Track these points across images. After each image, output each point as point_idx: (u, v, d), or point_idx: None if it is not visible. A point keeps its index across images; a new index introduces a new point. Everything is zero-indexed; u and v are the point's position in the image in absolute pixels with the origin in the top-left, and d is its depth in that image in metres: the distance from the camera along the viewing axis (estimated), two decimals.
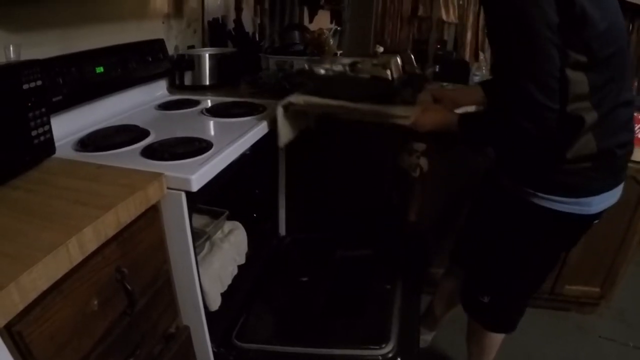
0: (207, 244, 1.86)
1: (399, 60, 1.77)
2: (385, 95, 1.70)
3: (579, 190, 1.42)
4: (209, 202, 1.87)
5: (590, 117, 1.31)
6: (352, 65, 1.79)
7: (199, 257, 1.56)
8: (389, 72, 1.69)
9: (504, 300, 1.73)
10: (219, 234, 1.96)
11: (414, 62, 2.06)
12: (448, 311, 2.19)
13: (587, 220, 1.50)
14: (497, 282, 1.70)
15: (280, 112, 1.78)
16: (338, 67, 1.80)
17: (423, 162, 2.20)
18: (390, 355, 1.68)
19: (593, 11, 1.24)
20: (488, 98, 1.63)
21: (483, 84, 1.86)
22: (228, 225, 2.04)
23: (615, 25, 1.32)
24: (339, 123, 2.13)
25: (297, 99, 1.77)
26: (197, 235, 1.56)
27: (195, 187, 1.35)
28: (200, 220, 1.96)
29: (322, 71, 1.81)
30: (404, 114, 1.64)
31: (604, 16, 1.26)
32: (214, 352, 1.70)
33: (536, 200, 1.46)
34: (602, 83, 1.31)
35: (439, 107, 1.77)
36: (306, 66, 1.84)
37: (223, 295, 1.78)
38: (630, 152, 1.48)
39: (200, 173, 1.37)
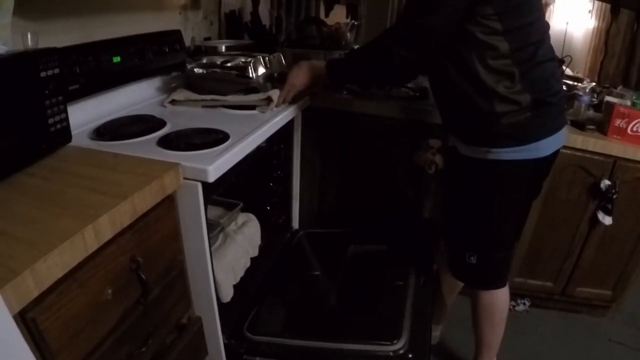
0: (221, 236, 1.87)
1: (262, 59, 2.02)
2: (248, 89, 1.97)
3: (525, 138, 1.59)
4: (223, 193, 1.87)
5: (515, 71, 1.52)
6: (223, 64, 2.04)
7: (212, 249, 1.56)
8: (250, 69, 1.93)
9: (490, 255, 1.82)
10: (232, 226, 1.97)
11: (283, 60, 2.21)
12: (454, 294, 2.24)
13: (540, 164, 1.68)
14: (480, 239, 1.81)
15: (168, 106, 1.97)
16: (213, 66, 2.05)
17: (438, 159, 2.20)
18: (401, 351, 1.67)
19: None
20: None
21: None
22: (242, 217, 2.05)
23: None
24: (354, 120, 2.15)
25: (178, 95, 1.97)
26: (211, 226, 1.56)
27: (212, 178, 1.35)
28: (214, 211, 1.97)
29: (200, 70, 2.02)
30: (262, 98, 1.92)
31: None
32: (225, 343, 1.70)
33: (490, 156, 1.63)
34: (521, 45, 1.52)
35: (301, 63, 1.97)
36: (188, 66, 2.04)
37: (235, 287, 1.78)
38: (565, 98, 1.76)
39: (217, 164, 1.36)
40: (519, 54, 1.51)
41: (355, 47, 2.36)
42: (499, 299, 1.92)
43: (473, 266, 1.82)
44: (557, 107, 1.64)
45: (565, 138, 1.79)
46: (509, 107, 1.55)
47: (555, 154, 1.71)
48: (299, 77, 1.92)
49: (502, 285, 1.91)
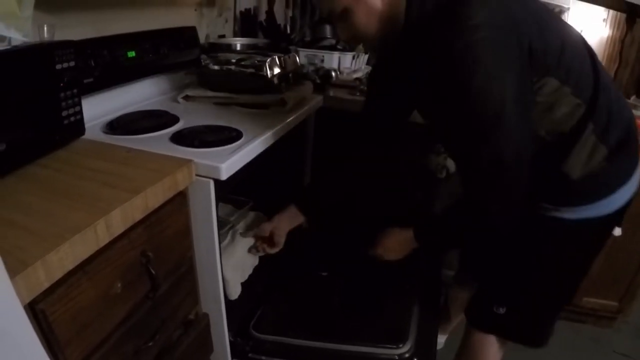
0: (230, 233, 1.86)
1: (277, 59, 1.99)
2: (262, 87, 1.93)
3: (598, 193, 1.32)
4: (233, 191, 1.88)
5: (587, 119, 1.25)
6: (238, 62, 1.99)
7: (221, 246, 1.56)
8: (266, 69, 1.90)
9: (525, 312, 1.55)
10: (242, 224, 1.97)
11: (297, 61, 2.21)
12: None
13: (612, 219, 1.39)
14: (516, 293, 1.54)
15: (182, 102, 1.97)
16: (228, 64, 2.01)
17: (450, 163, 2.19)
18: (407, 355, 1.67)
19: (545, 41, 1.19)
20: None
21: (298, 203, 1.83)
22: (251, 215, 2.04)
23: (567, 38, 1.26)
24: None
25: (193, 92, 1.97)
26: (221, 223, 1.56)
27: (224, 176, 1.35)
28: (224, 208, 1.97)
29: (215, 67, 1.99)
30: (277, 99, 1.90)
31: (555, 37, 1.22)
32: (230, 341, 1.70)
33: (555, 214, 1.37)
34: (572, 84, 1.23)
35: (394, 235, 1.71)
36: (203, 62, 2.03)
37: (243, 285, 1.78)
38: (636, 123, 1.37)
39: (230, 162, 1.36)
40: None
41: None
42: (493, 344, 1.66)
43: (500, 317, 1.56)
44: (633, 138, 1.33)
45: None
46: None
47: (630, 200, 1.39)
48: (394, 253, 1.70)
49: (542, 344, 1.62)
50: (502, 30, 1.13)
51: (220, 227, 1.53)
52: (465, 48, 1.11)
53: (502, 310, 1.54)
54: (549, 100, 1.22)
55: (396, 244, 1.68)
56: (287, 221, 1.82)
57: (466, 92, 1.15)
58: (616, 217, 1.40)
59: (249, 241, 1.87)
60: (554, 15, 1.32)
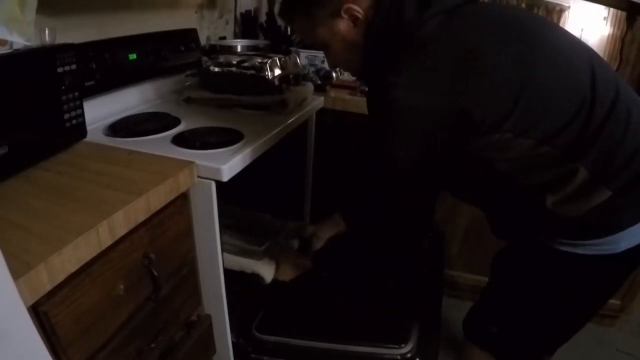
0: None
1: (278, 60, 1.97)
2: (262, 89, 1.92)
3: (603, 230, 1.23)
4: (235, 192, 1.88)
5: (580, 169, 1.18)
6: (239, 63, 1.98)
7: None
8: (267, 70, 1.89)
9: (515, 337, 1.51)
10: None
11: (298, 62, 2.20)
12: None
13: (622, 260, 1.27)
14: (508, 316, 1.50)
15: (183, 104, 1.97)
16: (229, 65, 2.00)
17: None
18: (409, 355, 1.67)
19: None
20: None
21: (344, 213, 1.89)
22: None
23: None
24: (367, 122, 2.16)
25: (194, 93, 1.98)
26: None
27: (226, 177, 1.35)
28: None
29: (216, 69, 1.98)
30: (277, 100, 1.88)
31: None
32: (233, 342, 1.70)
33: (558, 246, 1.29)
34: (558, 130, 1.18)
35: (288, 257, 1.89)
36: (204, 64, 2.02)
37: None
38: None
39: (231, 163, 1.37)
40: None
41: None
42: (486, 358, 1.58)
43: (492, 335, 1.53)
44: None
45: None
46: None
47: None
48: (289, 275, 1.86)
49: None
50: (422, 93, 1.18)
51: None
52: (382, 101, 1.25)
53: (494, 329, 1.51)
54: (508, 149, 1.22)
55: (291, 268, 1.85)
56: (329, 228, 1.86)
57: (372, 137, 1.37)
58: (626, 262, 1.32)
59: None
60: (556, 58, 1.24)
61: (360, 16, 1.29)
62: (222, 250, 1.68)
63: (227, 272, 1.54)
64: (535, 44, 1.22)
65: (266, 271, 1.79)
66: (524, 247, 1.42)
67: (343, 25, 1.32)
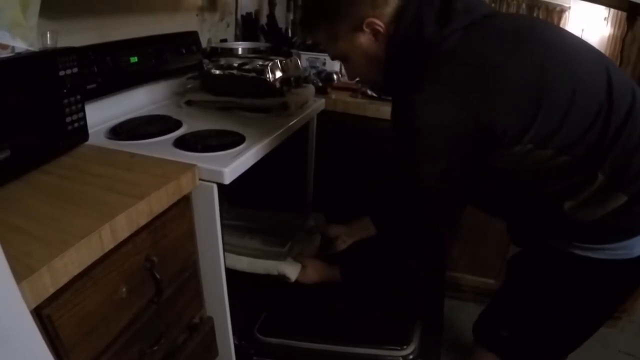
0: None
1: (279, 63, 1.97)
2: (264, 91, 1.92)
3: (616, 235, 1.26)
4: (237, 194, 1.89)
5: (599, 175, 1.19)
6: (240, 66, 1.98)
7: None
8: (268, 72, 1.89)
9: (527, 342, 1.52)
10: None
11: (299, 64, 2.20)
12: None
13: (633, 265, 1.29)
14: (521, 321, 1.51)
15: (184, 107, 1.97)
16: (230, 68, 2.00)
17: None
18: (411, 356, 1.67)
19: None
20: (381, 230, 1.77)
21: (373, 217, 1.91)
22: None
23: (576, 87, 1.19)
24: (369, 124, 2.15)
25: (195, 96, 1.99)
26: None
27: (227, 180, 1.35)
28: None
29: (217, 71, 1.99)
30: (279, 102, 1.89)
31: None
32: (235, 344, 1.70)
33: (573, 250, 1.31)
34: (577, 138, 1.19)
35: (317, 263, 1.81)
36: (205, 67, 2.03)
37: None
38: None
39: (233, 166, 1.37)
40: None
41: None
42: None
43: (502, 339, 1.55)
44: None
45: None
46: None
47: None
48: (313, 279, 1.78)
49: None
50: (444, 109, 1.21)
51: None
52: (405, 118, 1.28)
53: (505, 333, 1.53)
54: (528, 160, 1.22)
55: (316, 273, 1.79)
56: (357, 231, 1.89)
57: (402, 153, 1.34)
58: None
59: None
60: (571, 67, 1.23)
61: (381, 30, 1.30)
62: (245, 255, 1.73)
63: (229, 274, 1.54)
64: (550, 54, 1.23)
65: (292, 270, 1.77)
66: (540, 252, 1.44)
67: (364, 38, 1.33)
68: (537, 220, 1.39)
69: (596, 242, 1.28)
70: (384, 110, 2.17)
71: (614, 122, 1.18)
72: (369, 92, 2.28)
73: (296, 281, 1.77)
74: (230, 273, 1.57)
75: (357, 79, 1.60)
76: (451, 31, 1.22)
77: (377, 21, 1.28)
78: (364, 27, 1.30)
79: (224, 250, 1.49)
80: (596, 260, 1.29)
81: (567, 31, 1.37)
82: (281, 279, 1.77)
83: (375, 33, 1.31)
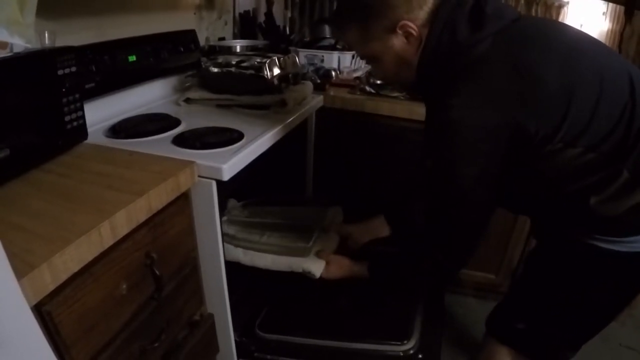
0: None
1: (277, 60, 1.97)
2: (262, 88, 1.93)
3: (625, 229, 1.28)
4: (237, 191, 1.89)
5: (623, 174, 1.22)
6: (238, 63, 1.99)
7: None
8: (266, 70, 1.89)
9: (543, 334, 1.52)
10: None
11: (297, 61, 2.18)
12: None
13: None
14: (540, 314, 1.52)
15: (183, 105, 1.98)
16: (228, 66, 2.01)
17: None
18: (411, 351, 1.67)
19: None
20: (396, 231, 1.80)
21: (388, 217, 1.93)
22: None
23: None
24: (368, 121, 2.15)
25: (194, 94, 1.99)
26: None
27: (226, 177, 1.36)
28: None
29: (216, 69, 1.99)
30: (277, 99, 1.89)
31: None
32: (236, 341, 1.71)
33: (595, 242, 1.33)
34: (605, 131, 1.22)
35: (341, 260, 1.82)
36: (203, 65, 2.05)
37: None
38: None
39: (231, 163, 1.37)
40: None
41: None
42: (506, 356, 1.61)
43: (518, 331, 1.56)
44: None
45: None
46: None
47: None
48: (336, 276, 1.79)
49: None
50: (479, 112, 1.23)
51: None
52: (442, 122, 1.28)
53: (521, 326, 1.54)
54: (557, 158, 1.25)
55: (341, 270, 1.79)
56: (371, 231, 1.91)
57: (435, 158, 1.35)
58: None
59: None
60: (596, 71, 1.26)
61: (414, 33, 1.31)
62: (267, 252, 1.74)
63: (229, 270, 1.55)
64: (577, 55, 1.27)
65: (316, 267, 1.78)
66: (561, 244, 1.45)
67: (397, 40, 1.34)
68: (562, 216, 1.40)
69: (618, 235, 1.29)
70: (382, 107, 2.18)
71: (638, 118, 1.22)
72: (367, 88, 2.28)
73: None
74: (230, 269, 1.57)
75: (384, 79, 1.61)
76: (484, 35, 1.25)
77: (411, 24, 1.30)
78: (397, 30, 1.32)
79: (244, 248, 1.50)
80: (617, 253, 1.31)
81: (586, 33, 1.39)
82: (305, 275, 1.79)
83: (407, 35, 1.33)
